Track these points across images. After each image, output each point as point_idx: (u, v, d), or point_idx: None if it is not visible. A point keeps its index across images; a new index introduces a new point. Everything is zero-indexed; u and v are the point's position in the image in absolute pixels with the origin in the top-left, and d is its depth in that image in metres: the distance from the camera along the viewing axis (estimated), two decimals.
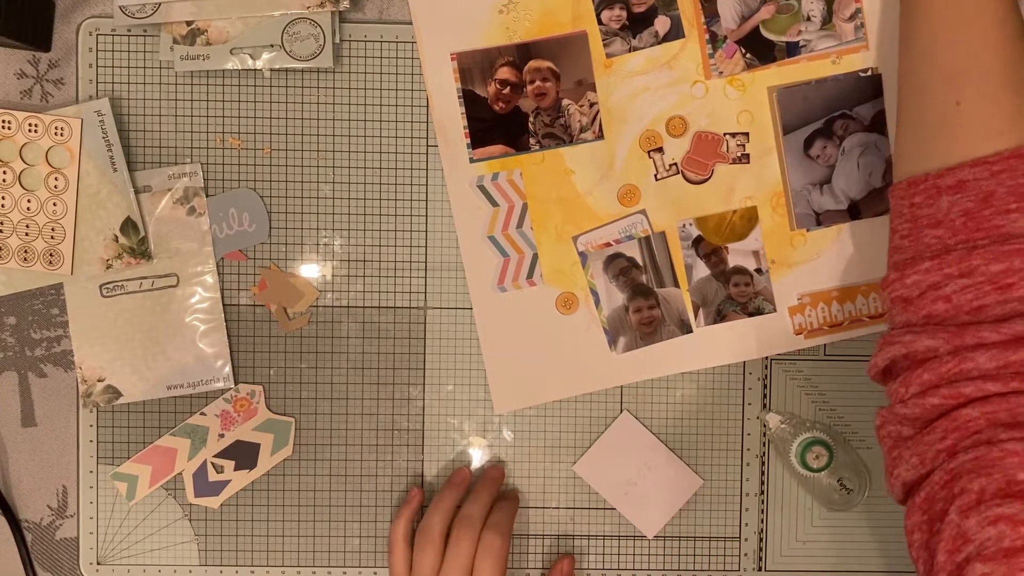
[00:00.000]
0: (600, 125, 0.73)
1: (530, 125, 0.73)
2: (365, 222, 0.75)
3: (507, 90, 0.73)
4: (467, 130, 0.73)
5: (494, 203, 0.74)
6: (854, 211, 0.74)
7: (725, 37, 0.72)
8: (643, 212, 0.74)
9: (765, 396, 0.77)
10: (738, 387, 0.77)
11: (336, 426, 0.76)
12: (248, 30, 0.72)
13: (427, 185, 0.75)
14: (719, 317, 0.74)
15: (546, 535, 0.77)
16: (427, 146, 0.75)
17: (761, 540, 0.77)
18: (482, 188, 0.74)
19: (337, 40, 0.73)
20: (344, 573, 0.77)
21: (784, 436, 0.75)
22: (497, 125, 0.73)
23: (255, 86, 0.74)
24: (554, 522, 0.77)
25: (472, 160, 0.74)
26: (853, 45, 0.72)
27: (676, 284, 0.74)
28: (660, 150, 0.73)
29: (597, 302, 0.74)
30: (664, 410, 0.76)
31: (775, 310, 0.74)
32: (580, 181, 0.74)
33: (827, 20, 0.72)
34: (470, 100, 0.73)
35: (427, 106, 0.75)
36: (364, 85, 0.75)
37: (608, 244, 0.74)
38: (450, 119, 0.73)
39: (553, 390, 0.75)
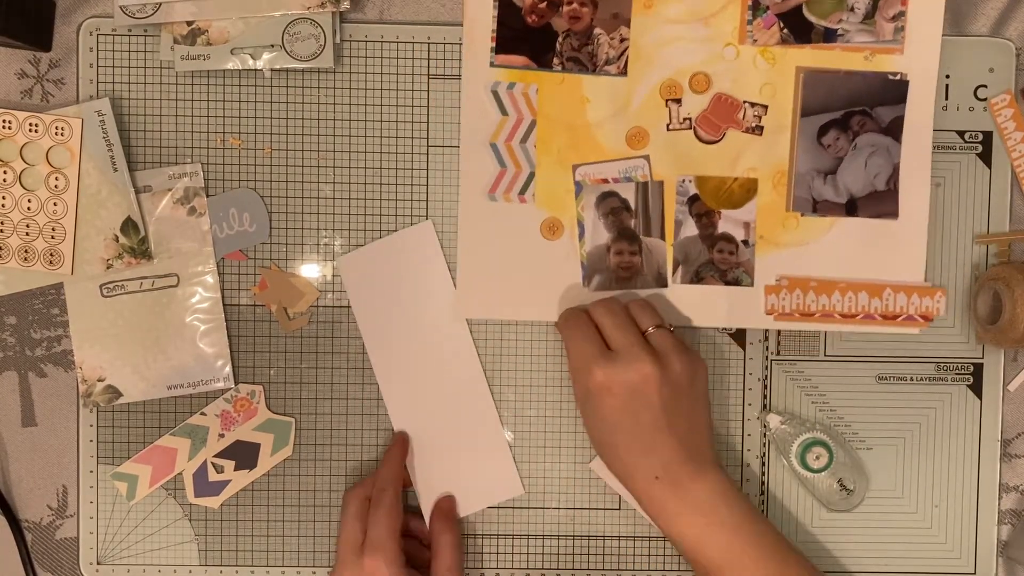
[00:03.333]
0: (626, 62, 0.73)
1: (557, 45, 0.73)
2: (365, 222, 0.75)
3: (543, 4, 0.72)
4: (495, 34, 0.73)
5: (504, 111, 0.74)
6: (851, 207, 0.74)
7: (767, 7, 0.72)
8: (647, 158, 0.74)
9: (765, 396, 0.77)
10: (738, 387, 0.77)
11: (336, 426, 0.76)
12: (249, 30, 0.72)
13: (427, 185, 0.75)
14: (696, 278, 0.74)
15: (546, 535, 0.77)
16: (427, 146, 0.75)
17: None
18: (495, 94, 0.73)
19: (338, 40, 0.73)
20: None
21: (784, 436, 0.75)
22: (525, 36, 0.73)
23: (255, 86, 0.74)
24: (554, 522, 0.77)
25: (492, 64, 0.73)
26: (889, 46, 0.72)
27: (662, 236, 0.74)
28: (678, 101, 0.73)
29: (581, 235, 0.74)
30: None
31: (752, 285, 0.74)
32: (593, 111, 0.74)
33: (870, 15, 0.72)
34: (505, 5, 0.73)
35: (427, 106, 0.75)
36: (364, 85, 0.75)
37: (606, 180, 0.74)
38: (481, 19, 0.73)
39: (518, 309, 0.75)
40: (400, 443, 0.74)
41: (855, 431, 0.77)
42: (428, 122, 0.75)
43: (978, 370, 0.77)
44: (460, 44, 0.74)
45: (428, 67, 0.75)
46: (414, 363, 0.75)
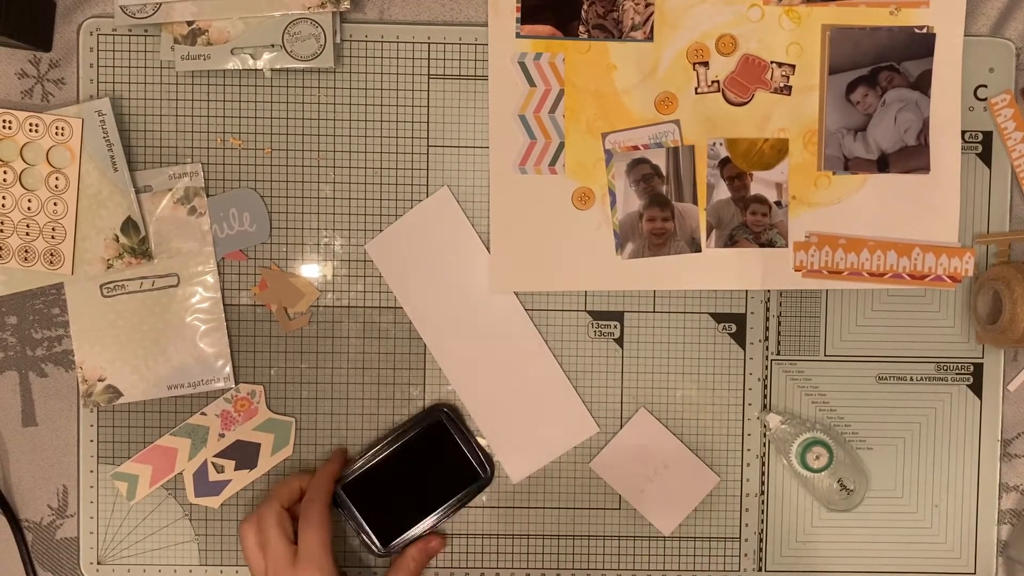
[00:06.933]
0: (652, 27, 0.73)
1: (583, 12, 0.73)
2: (365, 222, 0.75)
3: None
4: (520, 4, 0.73)
5: (532, 83, 0.74)
6: (883, 164, 0.74)
7: None
8: (676, 122, 0.74)
9: (765, 396, 0.77)
10: (738, 387, 0.77)
11: (336, 426, 0.76)
12: (249, 30, 0.72)
13: (427, 185, 0.75)
14: (730, 242, 0.75)
15: (546, 535, 0.77)
16: (427, 146, 0.75)
17: (761, 540, 0.77)
18: (523, 65, 0.73)
19: (338, 40, 0.73)
20: (344, 573, 0.76)
21: (784, 436, 0.75)
22: (550, 5, 0.73)
23: (256, 86, 0.75)
24: (554, 522, 0.77)
25: (518, 35, 0.73)
26: None
27: (695, 201, 0.74)
28: (705, 64, 0.74)
29: (613, 203, 0.74)
30: (664, 410, 0.76)
31: (786, 246, 0.75)
32: (621, 78, 0.74)
33: None
34: None
35: (427, 106, 0.75)
36: (364, 85, 0.75)
37: (636, 148, 0.74)
38: None
39: (552, 280, 0.75)
40: (336, 459, 0.74)
41: (855, 431, 0.77)
42: (428, 122, 0.75)
43: (978, 370, 0.77)
44: (460, 44, 0.75)
45: (428, 67, 0.75)
46: (464, 329, 0.75)
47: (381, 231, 0.75)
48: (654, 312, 0.76)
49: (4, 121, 0.72)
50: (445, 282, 0.75)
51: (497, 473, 0.76)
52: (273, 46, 0.72)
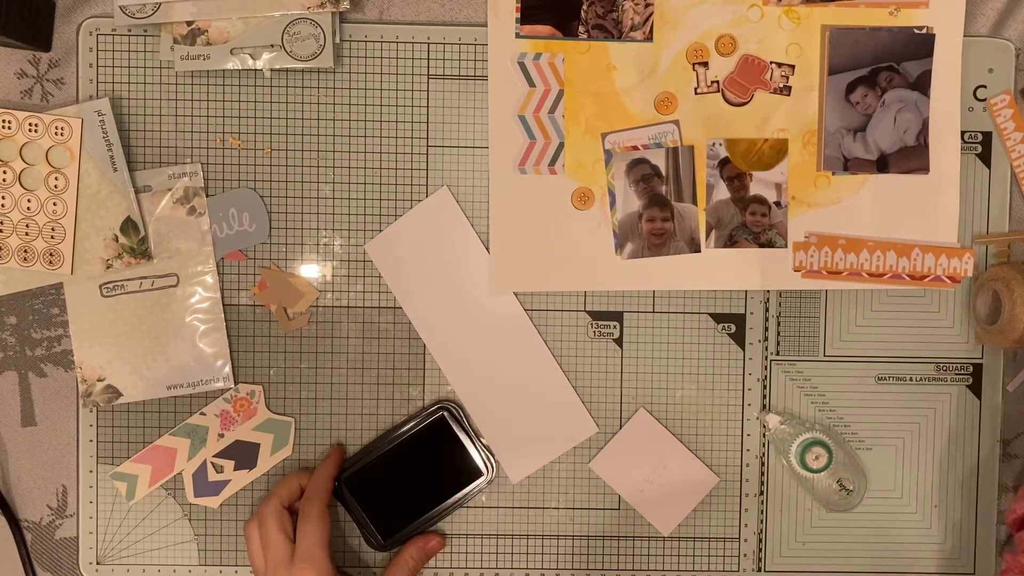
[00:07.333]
0: (652, 27, 0.73)
1: (582, 12, 0.73)
2: (365, 222, 0.75)
3: None
4: (519, 4, 0.73)
5: (531, 83, 0.74)
6: (882, 164, 0.74)
7: None
8: (676, 123, 0.74)
9: (764, 396, 0.77)
10: (738, 387, 0.77)
11: (336, 426, 0.76)
12: (248, 30, 0.72)
13: (427, 185, 0.75)
14: (730, 242, 0.75)
15: (546, 535, 0.77)
16: (427, 146, 0.75)
17: (761, 540, 0.77)
18: (522, 65, 0.73)
19: (337, 40, 0.73)
20: (342, 571, 0.76)
21: (784, 436, 0.75)
22: (550, 5, 0.73)
23: (255, 86, 0.75)
24: (554, 522, 0.77)
25: (518, 35, 0.73)
26: None
27: (694, 201, 0.74)
28: (705, 64, 0.74)
29: (612, 203, 0.74)
30: (664, 410, 0.76)
31: (785, 246, 0.75)
32: (621, 79, 0.74)
33: None
34: None
35: (427, 106, 0.75)
36: (364, 85, 0.75)
37: (635, 148, 0.74)
38: None
39: (552, 280, 0.75)
40: (334, 456, 0.74)
41: (854, 431, 0.77)
42: (428, 122, 0.75)
43: (978, 370, 0.77)
44: (459, 44, 0.75)
45: (428, 67, 0.75)
46: (464, 329, 0.75)
47: (381, 231, 0.75)
48: (653, 312, 0.76)
49: (4, 121, 0.72)
50: (445, 282, 0.75)
51: (497, 473, 0.76)
52: (273, 46, 0.72)
